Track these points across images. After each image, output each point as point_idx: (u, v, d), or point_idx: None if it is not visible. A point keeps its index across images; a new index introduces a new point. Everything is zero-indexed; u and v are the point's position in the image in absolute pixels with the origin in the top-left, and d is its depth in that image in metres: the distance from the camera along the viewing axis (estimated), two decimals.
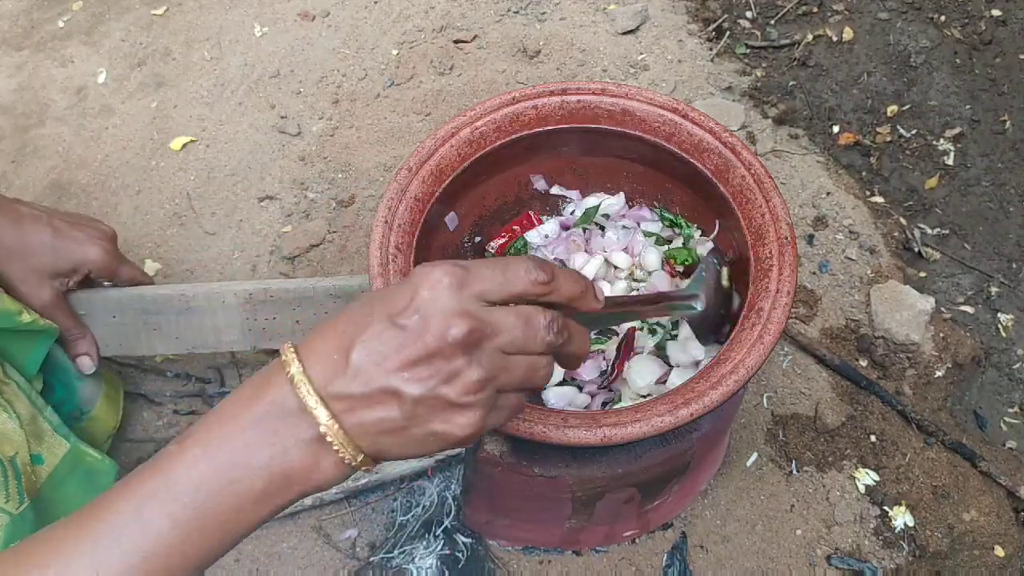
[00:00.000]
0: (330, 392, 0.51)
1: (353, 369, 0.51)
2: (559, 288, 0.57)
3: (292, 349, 0.53)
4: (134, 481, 0.52)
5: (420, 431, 0.52)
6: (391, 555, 1.14)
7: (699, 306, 0.78)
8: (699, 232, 1.07)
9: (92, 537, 0.49)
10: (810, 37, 1.79)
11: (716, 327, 0.90)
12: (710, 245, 1.02)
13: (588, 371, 1.01)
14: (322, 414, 0.51)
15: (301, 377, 0.51)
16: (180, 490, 0.50)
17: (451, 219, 1.05)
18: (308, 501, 1.18)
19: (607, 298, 0.63)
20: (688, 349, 0.96)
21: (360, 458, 0.53)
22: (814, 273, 1.44)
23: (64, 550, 0.49)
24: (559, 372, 0.99)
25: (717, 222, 1.04)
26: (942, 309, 1.44)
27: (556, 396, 0.98)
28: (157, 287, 1.10)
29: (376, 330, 0.51)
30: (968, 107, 1.69)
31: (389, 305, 0.52)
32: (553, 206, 1.15)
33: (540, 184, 1.12)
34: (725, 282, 0.86)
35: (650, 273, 1.06)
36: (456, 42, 1.76)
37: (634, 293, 0.87)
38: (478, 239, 1.12)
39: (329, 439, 0.51)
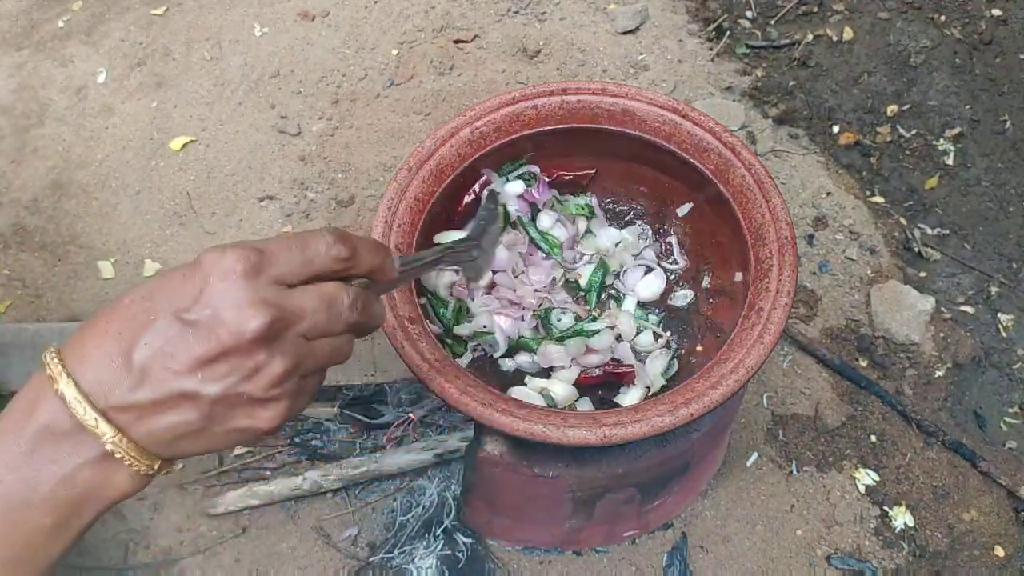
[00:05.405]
0: (112, 404, 0.46)
1: (137, 374, 0.46)
2: (360, 262, 0.53)
3: (56, 359, 0.47)
4: None
5: (221, 429, 0.49)
6: (391, 555, 1.14)
7: (477, 253, 0.82)
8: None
9: None
10: (810, 37, 1.79)
11: (490, 263, 0.92)
12: (495, 189, 1.02)
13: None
14: (106, 430, 0.46)
15: (74, 393, 0.45)
16: None
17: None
18: (306, 486, 1.18)
19: (401, 260, 0.61)
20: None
21: (157, 465, 0.49)
22: (814, 273, 1.44)
23: None
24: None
25: (688, 205, 1.05)
26: (942, 309, 1.44)
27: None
28: None
29: (161, 328, 0.46)
30: (968, 107, 1.69)
31: (174, 299, 0.47)
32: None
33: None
34: (501, 221, 0.92)
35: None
36: (456, 42, 1.76)
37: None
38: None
39: (118, 455, 0.47)
